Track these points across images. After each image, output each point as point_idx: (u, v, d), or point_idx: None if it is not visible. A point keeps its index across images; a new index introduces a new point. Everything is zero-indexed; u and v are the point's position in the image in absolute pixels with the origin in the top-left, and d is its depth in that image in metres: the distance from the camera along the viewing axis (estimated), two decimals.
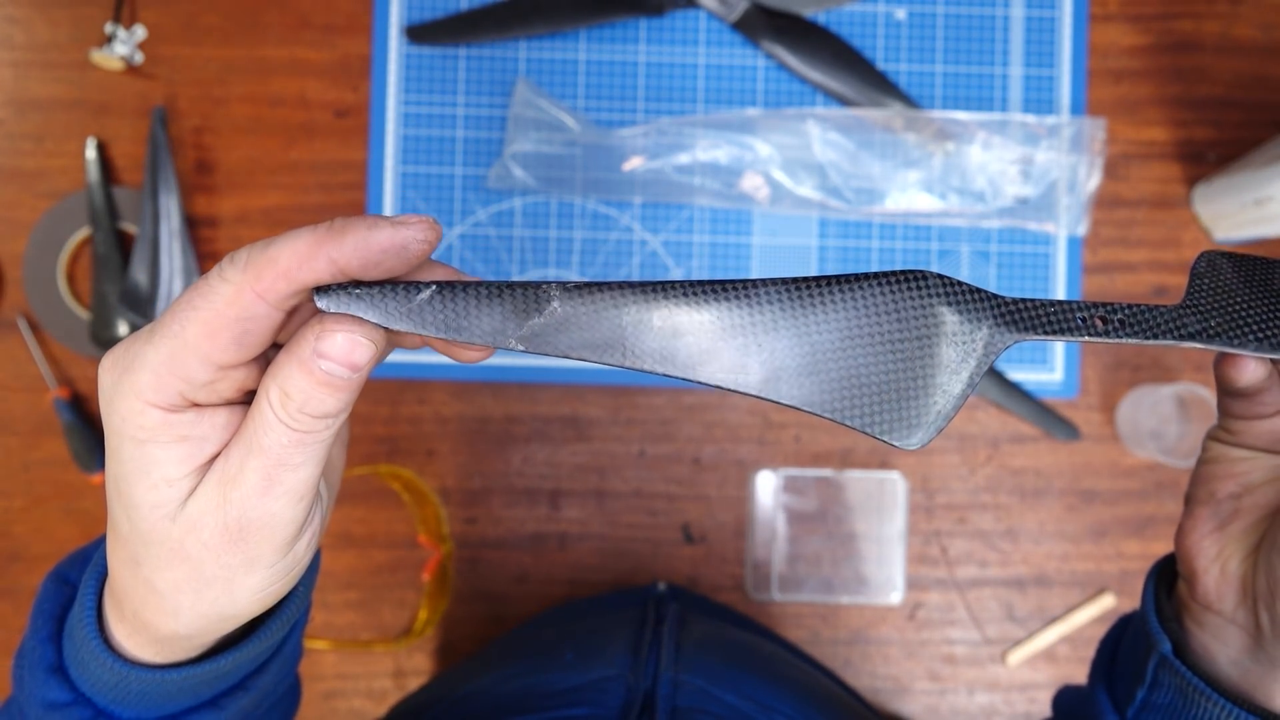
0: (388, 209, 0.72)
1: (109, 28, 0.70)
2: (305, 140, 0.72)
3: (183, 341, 0.25)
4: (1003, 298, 0.28)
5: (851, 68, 0.71)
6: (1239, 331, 0.29)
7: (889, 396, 0.27)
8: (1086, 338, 0.28)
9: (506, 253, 0.72)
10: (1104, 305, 0.28)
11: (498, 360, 0.72)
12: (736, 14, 0.71)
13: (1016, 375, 0.72)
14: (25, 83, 0.72)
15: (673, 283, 0.27)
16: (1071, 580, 0.73)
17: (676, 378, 0.27)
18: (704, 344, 0.27)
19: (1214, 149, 0.73)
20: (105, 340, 0.70)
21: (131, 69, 0.72)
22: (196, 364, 0.26)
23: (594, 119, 0.72)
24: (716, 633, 0.56)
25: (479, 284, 0.27)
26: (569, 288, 0.27)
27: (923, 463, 0.73)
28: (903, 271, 0.28)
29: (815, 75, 0.71)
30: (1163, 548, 0.73)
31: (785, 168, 0.71)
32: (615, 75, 0.73)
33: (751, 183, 0.72)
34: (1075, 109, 0.73)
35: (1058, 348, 0.73)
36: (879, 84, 0.71)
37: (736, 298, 0.27)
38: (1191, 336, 0.28)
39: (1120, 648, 0.39)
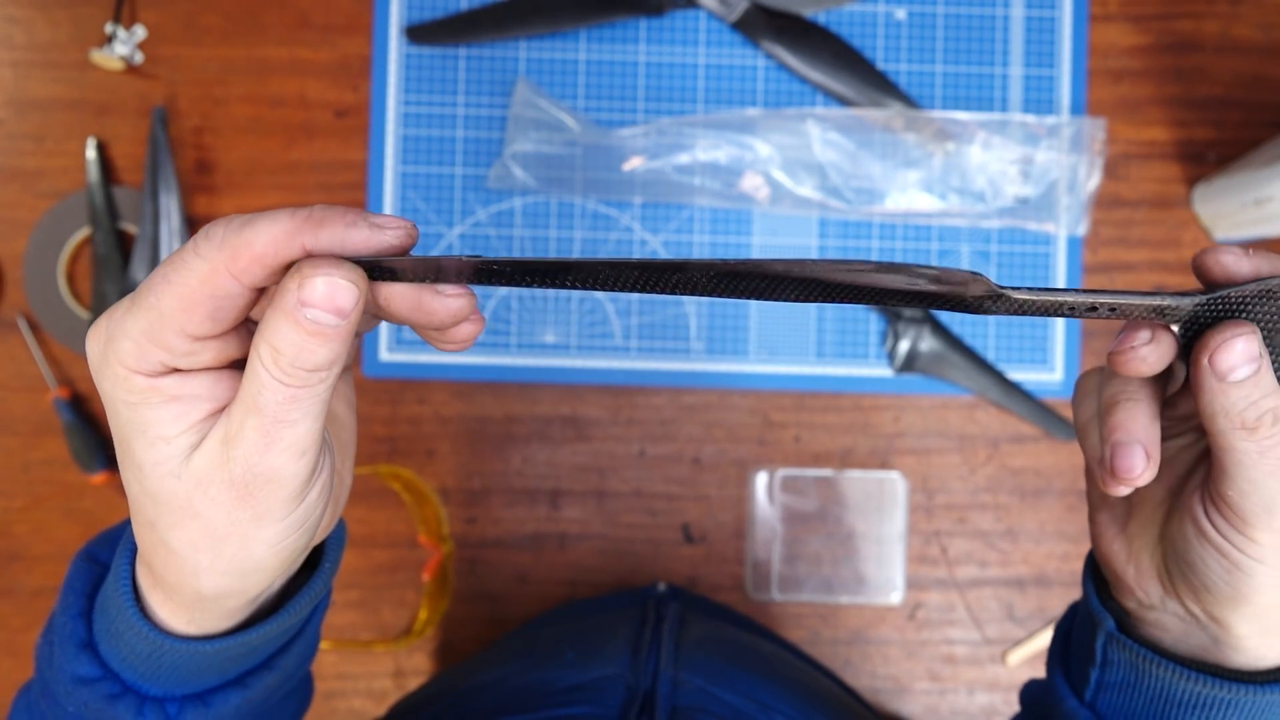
0: (387, 209, 0.72)
1: (109, 28, 0.70)
2: (305, 140, 0.72)
3: (159, 314, 0.26)
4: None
5: (851, 68, 0.71)
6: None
7: None
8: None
9: (506, 253, 0.72)
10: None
11: (498, 360, 0.72)
12: (736, 14, 0.71)
13: (1016, 375, 0.72)
14: (25, 83, 0.72)
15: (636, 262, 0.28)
16: (1071, 580, 0.73)
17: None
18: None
19: (1214, 149, 0.73)
20: None
21: (131, 69, 0.72)
22: (173, 336, 0.26)
23: (594, 119, 0.72)
24: (716, 632, 0.56)
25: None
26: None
27: (923, 462, 0.73)
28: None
29: (815, 75, 0.71)
30: None
31: (785, 168, 0.71)
32: (615, 75, 0.73)
33: (751, 183, 0.72)
34: (1075, 109, 0.73)
35: (1058, 348, 0.73)
36: (879, 84, 0.71)
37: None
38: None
39: (1072, 634, 0.40)
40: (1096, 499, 0.37)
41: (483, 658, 0.59)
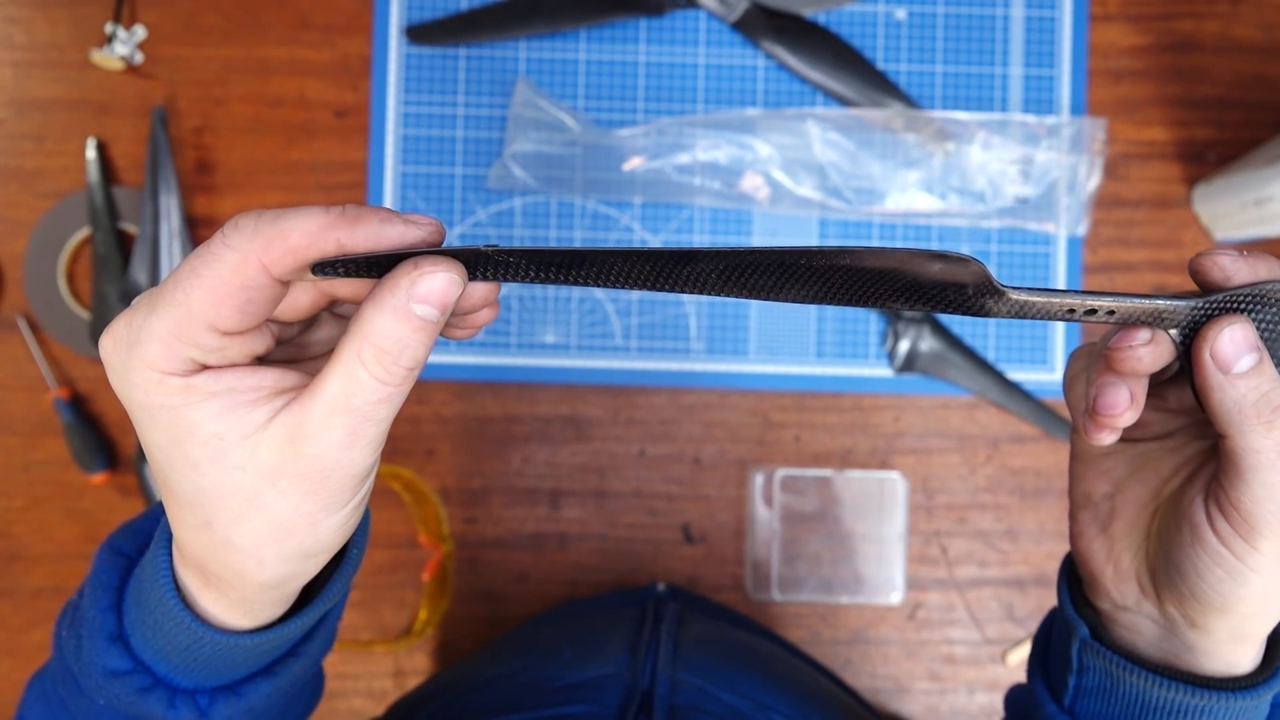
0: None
1: (109, 28, 0.70)
2: (305, 140, 0.72)
3: (188, 310, 0.25)
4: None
5: (851, 68, 0.71)
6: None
7: None
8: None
9: None
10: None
11: (498, 360, 0.72)
12: (736, 14, 0.71)
13: (1016, 375, 0.72)
14: (25, 83, 0.72)
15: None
16: None
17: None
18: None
19: (1214, 149, 0.73)
20: None
21: (131, 69, 0.72)
22: (203, 331, 0.26)
23: (594, 119, 0.72)
24: (715, 632, 0.56)
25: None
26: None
27: (923, 463, 0.73)
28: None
29: (815, 75, 0.71)
30: None
31: (785, 168, 0.71)
32: (615, 75, 0.73)
33: (751, 183, 0.72)
34: (1075, 109, 0.73)
35: (1058, 348, 0.73)
36: (879, 84, 0.71)
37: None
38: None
39: (1050, 640, 0.40)
40: (1080, 498, 0.37)
41: (482, 657, 0.59)
